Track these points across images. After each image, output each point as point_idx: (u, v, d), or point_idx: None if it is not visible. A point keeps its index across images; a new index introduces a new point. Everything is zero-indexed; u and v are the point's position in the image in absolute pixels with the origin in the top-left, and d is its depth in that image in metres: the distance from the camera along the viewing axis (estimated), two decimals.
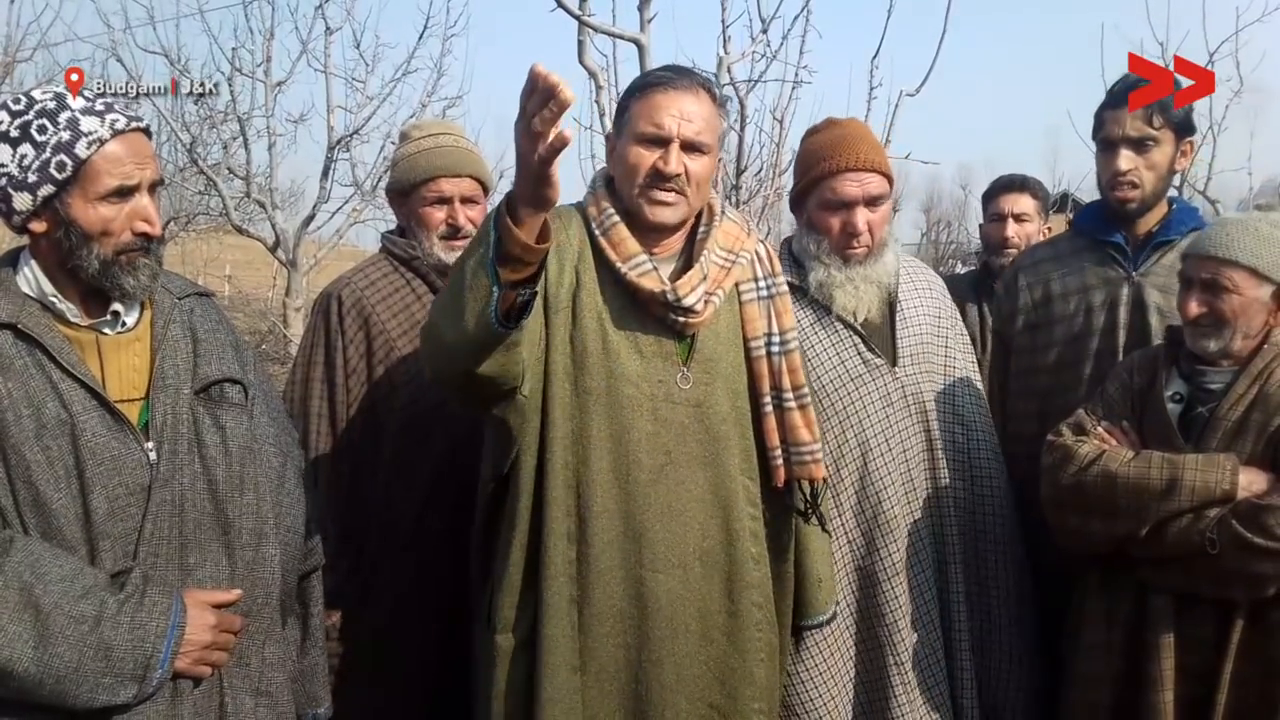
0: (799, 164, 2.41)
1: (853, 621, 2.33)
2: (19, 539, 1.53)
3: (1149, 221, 2.49)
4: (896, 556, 2.30)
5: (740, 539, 1.96)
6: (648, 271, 1.89)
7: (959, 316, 2.57)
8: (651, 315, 1.92)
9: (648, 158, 1.88)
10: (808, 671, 2.27)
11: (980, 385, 2.53)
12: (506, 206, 1.56)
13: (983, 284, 3.70)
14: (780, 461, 2.00)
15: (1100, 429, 2.16)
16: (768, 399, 2.00)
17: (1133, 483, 2.02)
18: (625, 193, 1.93)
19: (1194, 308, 2.09)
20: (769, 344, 2.00)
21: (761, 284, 2.03)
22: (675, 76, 1.92)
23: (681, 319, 1.91)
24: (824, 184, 2.30)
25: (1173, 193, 2.63)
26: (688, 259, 1.98)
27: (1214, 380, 2.11)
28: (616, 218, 1.92)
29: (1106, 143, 2.47)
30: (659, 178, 1.87)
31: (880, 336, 2.38)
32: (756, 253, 2.04)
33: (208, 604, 1.65)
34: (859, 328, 2.34)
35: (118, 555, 1.60)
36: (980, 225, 3.93)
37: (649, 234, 1.93)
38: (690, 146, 1.88)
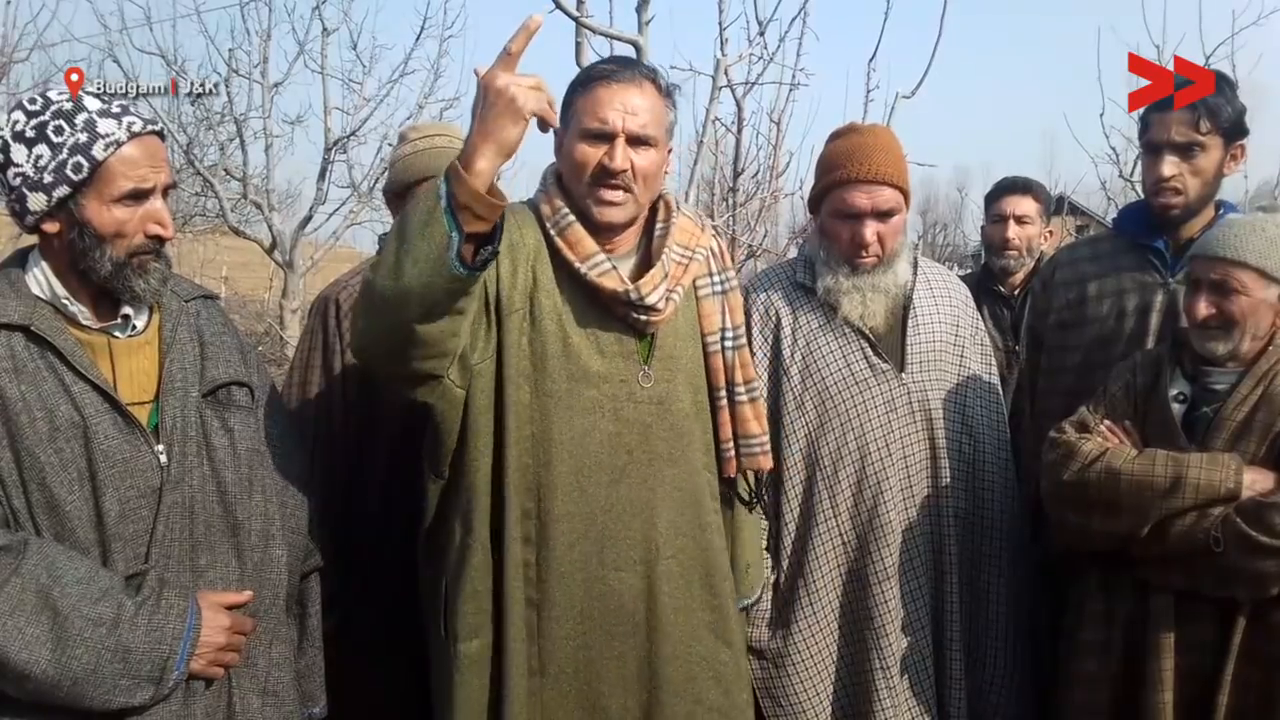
0: (818, 166, 2.40)
1: (840, 622, 2.33)
2: (34, 541, 1.54)
3: (1193, 228, 2.40)
4: (889, 561, 2.30)
5: (710, 532, 1.97)
6: (607, 271, 1.87)
7: (981, 327, 2.55)
8: (612, 314, 1.90)
9: (593, 154, 1.84)
10: (793, 666, 2.29)
11: (998, 397, 2.51)
12: (459, 159, 1.55)
13: (983, 286, 3.70)
14: (731, 453, 2.02)
15: (1103, 427, 2.16)
16: (722, 393, 2.00)
17: (1136, 479, 2.02)
18: (574, 190, 1.89)
19: (1203, 309, 2.09)
20: (723, 339, 2.01)
21: (716, 279, 2.03)
22: (618, 69, 1.88)
23: (644, 318, 1.90)
24: (836, 192, 2.29)
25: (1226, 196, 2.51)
26: (645, 255, 1.96)
27: (1218, 381, 2.11)
28: (571, 217, 1.89)
29: (1151, 146, 2.40)
30: (605, 174, 1.84)
31: (889, 342, 2.37)
32: (710, 248, 2.03)
33: (221, 605, 1.66)
34: (867, 332, 2.34)
35: (129, 557, 1.61)
36: (982, 226, 3.94)
37: (602, 231, 1.90)
38: (636, 140, 1.84)
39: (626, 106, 1.83)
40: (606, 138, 1.84)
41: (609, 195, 1.85)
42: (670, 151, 2.00)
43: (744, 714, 2.03)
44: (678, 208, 2.01)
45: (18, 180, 1.60)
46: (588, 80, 1.89)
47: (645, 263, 1.95)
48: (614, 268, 1.88)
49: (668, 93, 1.93)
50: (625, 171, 1.84)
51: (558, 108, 1.67)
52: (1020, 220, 3.60)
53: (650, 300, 1.88)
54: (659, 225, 1.98)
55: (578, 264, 1.87)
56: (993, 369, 2.53)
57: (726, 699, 1.95)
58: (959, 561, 2.37)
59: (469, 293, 1.64)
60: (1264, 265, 2.04)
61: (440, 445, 1.86)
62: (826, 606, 2.31)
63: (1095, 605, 2.18)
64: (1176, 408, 2.14)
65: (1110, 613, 2.15)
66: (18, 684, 1.51)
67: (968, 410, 2.42)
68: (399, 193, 2.48)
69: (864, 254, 2.29)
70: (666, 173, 2.02)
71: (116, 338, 1.68)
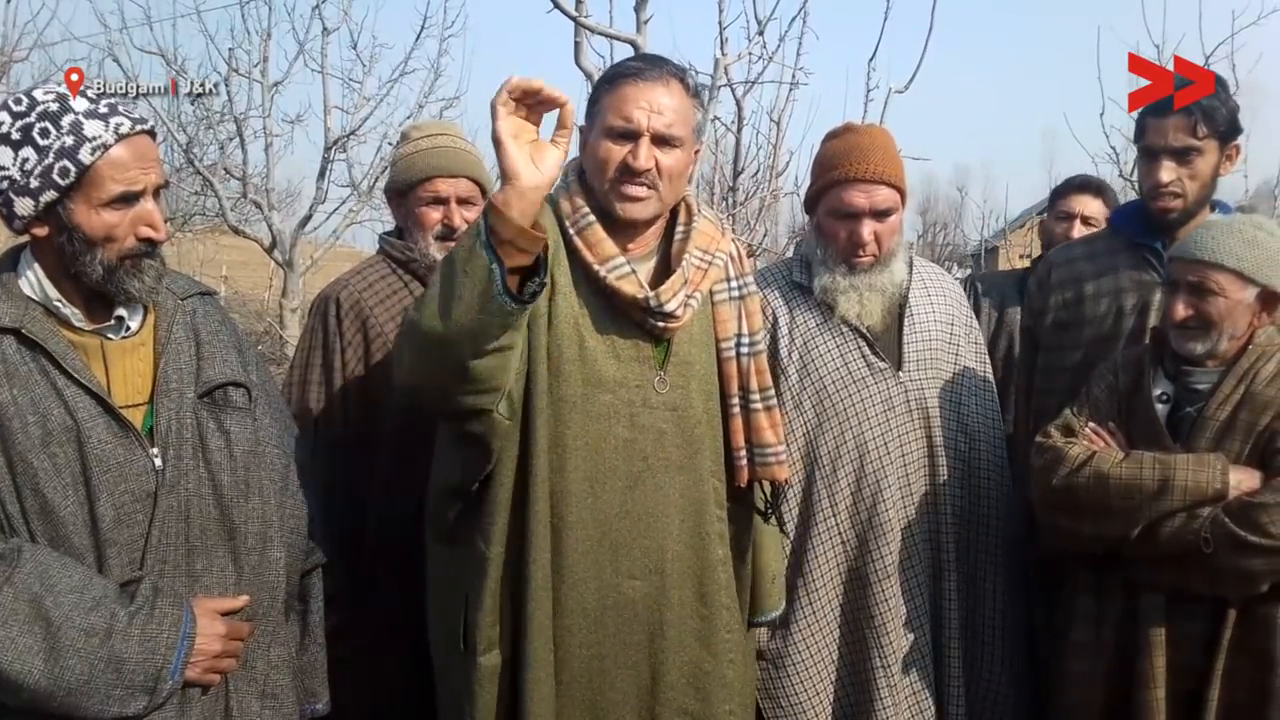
0: (814, 166, 2.41)
1: (840, 621, 2.34)
2: (27, 549, 1.53)
3: (1190, 229, 2.36)
4: (889, 559, 2.31)
5: (710, 541, 1.94)
6: (626, 275, 1.85)
7: (976, 325, 2.56)
8: (629, 319, 1.88)
9: (617, 152, 1.82)
10: (793, 666, 2.29)
11: (994, 395, 2.51)
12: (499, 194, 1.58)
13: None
14: (744, 462, 1.97)
15: (1088, 430, 2.16)
16: (735, 400, 1.96)
17: (1125, 484, 2.03)
18: (597, 188, 1.87)
19: (1180, 311, 2.09)
20: (739, 345, 1.97)
21: (733, 284, 1.99)
22: (645, 67, 1.86)
23: (661, 324, 1.87)
24: (833, 192, 2.30)
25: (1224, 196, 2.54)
26: (664, 257, 1.94)
27: (1200, 380, 2.11)
28: (591, 217, 1.86)
29: (1148, 151, 2.42)
30: (629, 173, 1.82)
31: (886, 340, 2.38)
32: (730, 253, 2.01)
33: (217, 612, 1.65)
34: (864, 331, 2.35)
35: (125, 562, 1.59)
36: (1041, 221, 3.79)
37: (623, 231, 1.88)
38: (661, 140, 1.83)
39: (652, 105, 1.82)
40: (631, 136, 1.82)
41: (632, 190, 1.83)
42: (697, 152, 1.98)
43: None
44: (699, 210, 1.99)
45: (4, 184, 1.57)
46: (614, 78, 1.88)
47: (664, 265, 1.94)
48: (633, 271, 1.86)
49: (695, 92, 1.91)
50: (649, 170, 1.83)
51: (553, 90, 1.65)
52: (1087, 221, 3.47)
53: (669, 307, 1.86)
54: (680, 228, 1.96)
55: (596, 266, 1.84)
56: (987, 367, 2.54)
57: (704, 706, 1.93)
58: (957, 559, 2.38)
59: (515, 327, 1.65)
60: (1241, 267, 2.05)
61: (480, 465, 1.83)
62: (826, 606, 2.32)
63: (1085, 605, 2.19)
64: (1160, 408, 2.14)
65: (1100, 613, 2.16)
66: (13, 694, 1.50)
67: (964, 408, 2.42)
68: (400, 191, 2.48)
69: (861, 253, 2.30)
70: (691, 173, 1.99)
71: (110, 339, 1.66)
